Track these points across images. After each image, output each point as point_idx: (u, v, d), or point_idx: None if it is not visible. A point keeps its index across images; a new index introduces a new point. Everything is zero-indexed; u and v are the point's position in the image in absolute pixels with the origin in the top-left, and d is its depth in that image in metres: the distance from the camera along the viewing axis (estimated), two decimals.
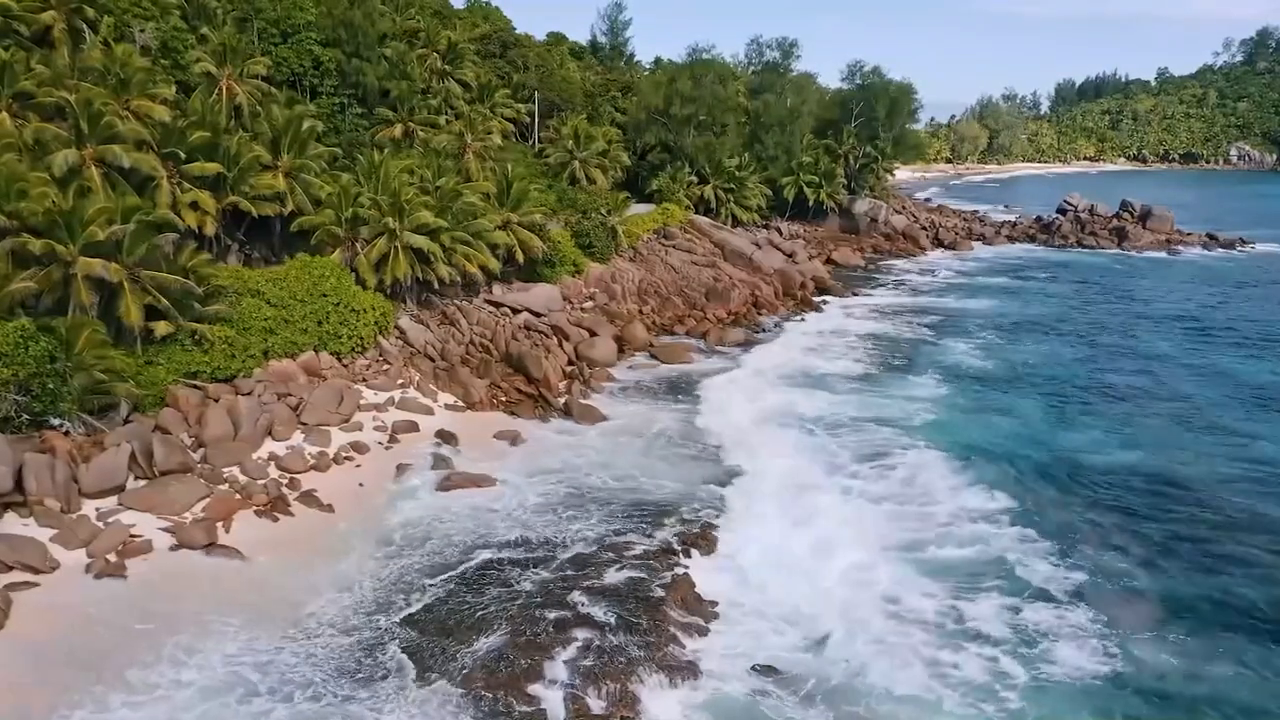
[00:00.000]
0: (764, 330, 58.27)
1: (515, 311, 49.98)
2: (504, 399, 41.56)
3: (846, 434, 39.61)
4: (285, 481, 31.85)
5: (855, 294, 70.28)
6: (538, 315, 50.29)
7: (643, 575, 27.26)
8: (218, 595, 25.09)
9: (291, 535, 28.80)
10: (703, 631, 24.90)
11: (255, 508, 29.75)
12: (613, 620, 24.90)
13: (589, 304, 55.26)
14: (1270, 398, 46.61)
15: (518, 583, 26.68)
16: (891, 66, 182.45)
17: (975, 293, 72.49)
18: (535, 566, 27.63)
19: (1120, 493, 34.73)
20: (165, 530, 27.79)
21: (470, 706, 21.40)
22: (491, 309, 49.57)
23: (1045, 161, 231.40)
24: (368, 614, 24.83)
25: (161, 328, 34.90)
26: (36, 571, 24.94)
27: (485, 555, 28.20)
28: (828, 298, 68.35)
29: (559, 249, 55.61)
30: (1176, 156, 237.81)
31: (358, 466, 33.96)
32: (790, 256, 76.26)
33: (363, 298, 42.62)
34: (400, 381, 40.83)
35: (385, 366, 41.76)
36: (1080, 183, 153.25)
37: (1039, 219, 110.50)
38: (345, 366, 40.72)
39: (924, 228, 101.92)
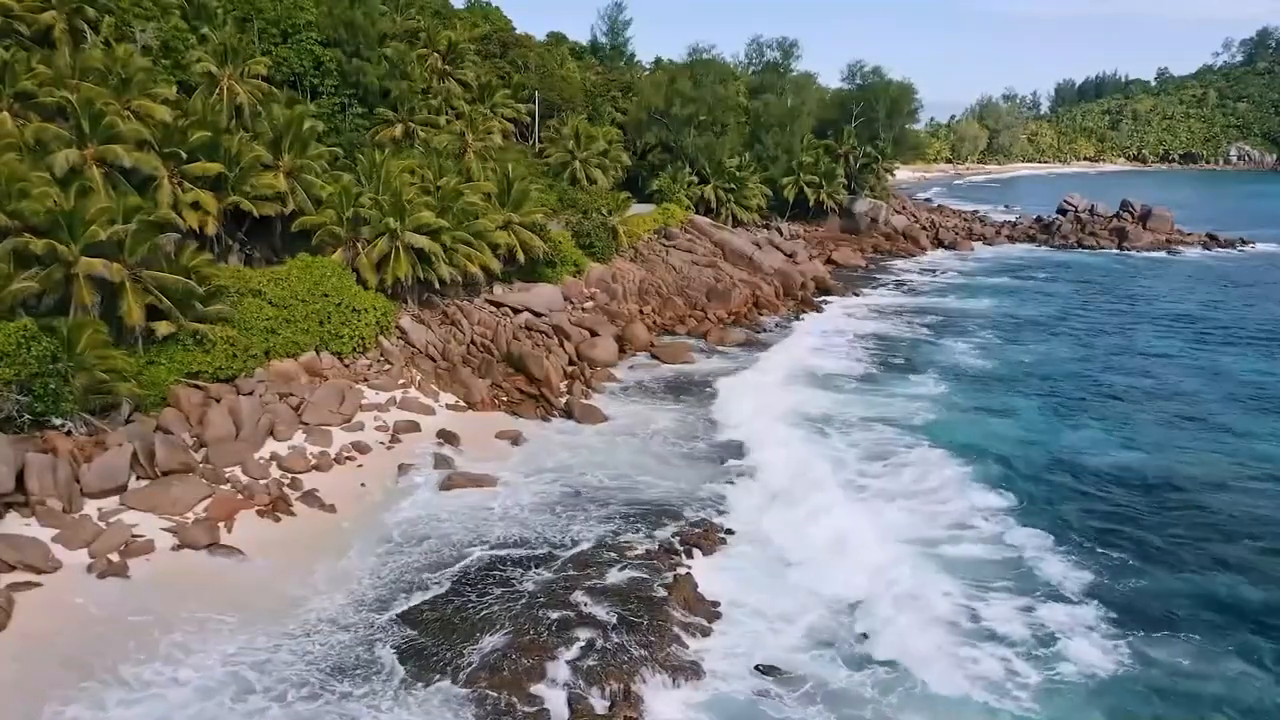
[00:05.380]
0: (765, 330, 58.29)
1: (516, 311, 49.99)
2: (505, 399, 41.56)
3: (848, 433, 39.62)
4: (287, 481, 31.86)
5: (856, 294, 70.31)
6: (539, 315, 50.30)
7: (644, 575, 27.27)
8: (219, 595, 25.08)
9: (293, 535, 28.81)
10: (705, 631, 24.89)
11: (257, 508, 29.76)
12: (615, 620, 24.90)
13: (590, 304, 55.26)
14: (1270, 397, 46.61)
15: (519, 582, 26.69)
16: (891, 66, 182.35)
17: (976, 293, 72.51)
18: (537, 566, 27.63)
19: (1122, 492, 34.73)
20: (167, 530, 27.80)
21: (472, 706, 21.40)
22: (493, 309, 49.58)
23: (1045, 161, 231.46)
24: (369, 613, 24.83)
25: (163, 327, 34.89)
26: (38, 571, 24.95)
27: (486, 555, 28.22)
28: (828, 298, 68.38)
29: (560, 249, 55.61)
30: (1176, 157, 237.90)
31: (359, 466, 33.97)
32: (791, 256, 76.28)
33: (364, 298, 42.63)
34: (401, 381, 40.83)
35: (386, 366, 41.77)
36: (1080, 183, 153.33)
37: (1039, 219, 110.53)
38: (346, 366, 40.72)
39: (924, 228, 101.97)
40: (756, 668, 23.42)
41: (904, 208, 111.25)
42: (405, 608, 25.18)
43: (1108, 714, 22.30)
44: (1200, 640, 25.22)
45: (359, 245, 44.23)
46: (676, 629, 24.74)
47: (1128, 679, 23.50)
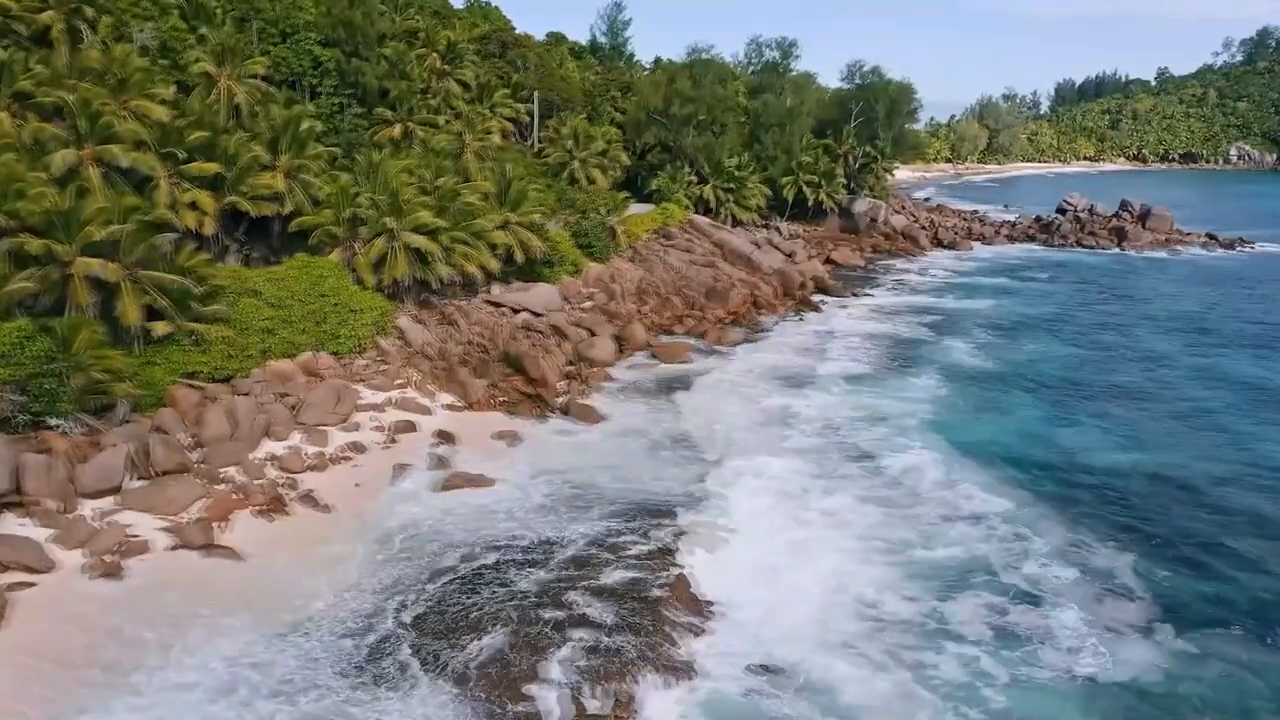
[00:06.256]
0: (763, 330, 58.22)
1: (514, 311, 49.98)
2: (503, 399, 41.52)
3: (845, 434, 39.61)
4: (284, 482, 31.83)
5: (855, 294, 70.23)
6: (537, 315, 50.28)
7: (641, 575, 27.26)
8: (216, 595, 25.07)
9: (290, 535, 28.78)
10: (701, 631, 24.90)
11: (253, 508, 29.74)
12: (611, 620, 24.89)
13: (588, 304, 55.24)
14: (1270, 398, 46.59)
15: (516, 583, 26.67)
16: (891, 66, 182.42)
17: (975, 292, 72.47)
18: (534, 566, 27.61)
19: (1117, 492, 34.72)
20: (163, 530, 27.79)
21: (469, 707, 21.40)
22: (490, 309, 49.56)
23: (1045, 161, 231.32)
24: (366, 614, 24.81)
25: (160, 327, 34.89)
26: (35, 571, 24.94)
27: (484, 555, 28.18)
28: (827, 297, 68.31)
29: (558, 249, 55.59)
30: (1176, 156, 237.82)
31: (356, 467, 33.93)
32: (790, 256, 76.24)
33: (361, 298, 42.63)
34: (399, 381, 40.80)
35: (384, 366, 41.74)
36: (1080, 183, 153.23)
37: (1039, 219, 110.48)
38: (344, 366, 40.70)
39: (924, 227, 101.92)
40: (751, 667, 23.41)
41: (903, 207, 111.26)
42: (402, 608, 25.14)
43: (1090, 714, 22.28)
44: (1192, 640, 25.20)
45: (356, 245, 44.24)
46: (673, 629, 24.74)
47: (1111, 680, 23.47)
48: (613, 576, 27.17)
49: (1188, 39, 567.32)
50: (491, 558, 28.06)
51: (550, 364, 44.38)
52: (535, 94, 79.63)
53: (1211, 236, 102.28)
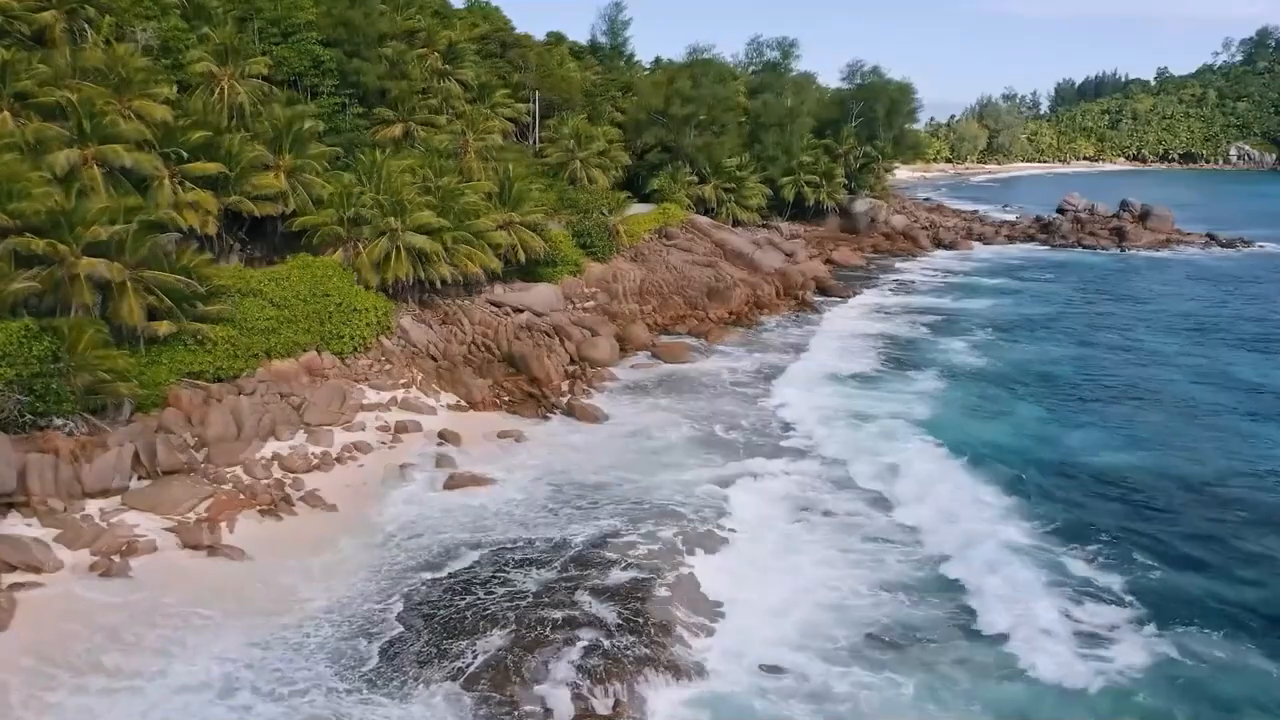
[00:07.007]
0: (764, 330, 58.32)
1: (516, 311, 50.02)
2: (505, 399, 41.59)
3: (845, 434, 39.65)
4: (287, 481, 31.86)
5: (855, 293, 70.31)
6: (539, 315, 50.34)
7: (646, 575, 27.26)
8: (220, 595, 25.10)
9: (293, 535, 28.82)
10: (707, 631, 24.91)
11: (257, 507, 29.78)
12: (616, 620, 24.89)
13: (590, 304, 55.30)
14: (1270, 398, 46.61)
15: (520, 582, 26.69)
16: (891, 66, 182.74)
17: (975, 292, 72.55)
18: (537, 566, 27.63)
19: (1116, 492, 34.68)
20: (168, 530, 27.82)
21: (472, 707, 21.39)
22: (493, 309, 49.61)
23: (1045, 161, 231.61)
24: (368, 615, 24.81)
25: (163, 327, 34.88)
26: (39, 571, 24.96)
27: (487, 554, 28.22)
28: (827, 297, 68.45)
29: (559, 249, 55.62)
30: (1176, 156, 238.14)
31: (360, 466, 33.98)
32: (790, 256, 76.32)
33: (364, 297, 42.65)
34: (402, 381, 40.85)
35: (387, 366, 41.78)
36: (1080, 182, 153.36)
37: (1039, 219, 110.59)
38: (346, 366, 40.73)
39: (924, 227, 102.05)
40: (752, 667, 23.42)
41: (903, 207, 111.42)
42: (406, 607, 25.18)
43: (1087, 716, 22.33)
44: (1189, 641, 25.12)
45: (358, 245, 44.25)
46: (675, 629, 24.73)
47: (1108, 681, 23.39)
48: (617, 576, 27.17)
49: (1188, 39, 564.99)
50: (493, 558, 28.07)
51: (552, 364, 44.49)
52: (535, 94, 79.60)
53: (1211, 236, 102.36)
